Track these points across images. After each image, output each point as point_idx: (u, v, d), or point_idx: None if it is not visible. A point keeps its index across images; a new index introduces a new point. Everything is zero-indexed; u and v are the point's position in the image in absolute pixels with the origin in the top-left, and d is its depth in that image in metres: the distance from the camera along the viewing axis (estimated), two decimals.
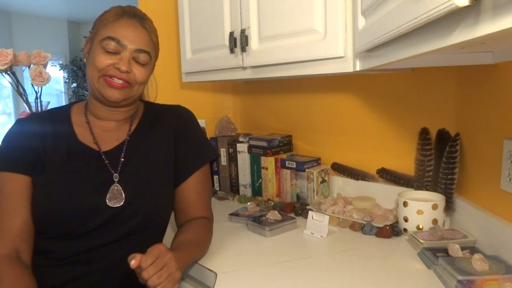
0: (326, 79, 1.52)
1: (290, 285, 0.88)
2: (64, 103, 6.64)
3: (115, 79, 0.94)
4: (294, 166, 1.45)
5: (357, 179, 1.43)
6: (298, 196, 1.45)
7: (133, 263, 0.78)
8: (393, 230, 1.13)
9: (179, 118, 1.10)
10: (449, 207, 1.15)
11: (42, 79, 1.63)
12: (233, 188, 1.67)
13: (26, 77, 1.79)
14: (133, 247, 0.97)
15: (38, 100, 1.69)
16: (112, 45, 0.93)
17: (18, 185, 0.93)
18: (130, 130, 1.04)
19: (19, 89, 1.69)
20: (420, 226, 1.11)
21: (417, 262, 0.97)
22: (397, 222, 1.17)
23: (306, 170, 1.41)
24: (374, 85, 1.38)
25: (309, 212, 1.20)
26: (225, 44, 1.37)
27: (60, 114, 1.03)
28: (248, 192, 1.61)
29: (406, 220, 1.13)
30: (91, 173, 0.96)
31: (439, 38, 0.54)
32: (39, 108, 1.70)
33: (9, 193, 0.93)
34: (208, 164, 1.13)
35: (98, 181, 0.96)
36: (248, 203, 1.41)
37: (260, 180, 1.56)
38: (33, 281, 0.87)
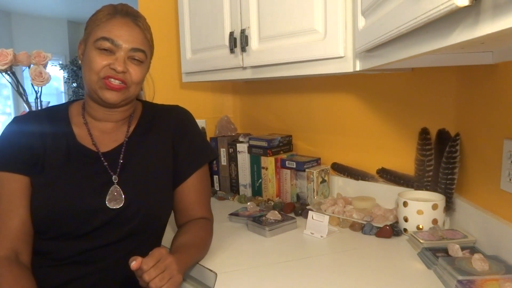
0: (326, 79, 1.52)
1: (290, 285, 0.88)
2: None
3: (112, 79, 0.93)
4: (294, 166, 1.45)
5: (357, 179, 1.43)
6: (298, 196, 1.45)
7: (133, 264, 0.78)
8: (393, 230, 1.13)
9: (177, 118, 1.10)
10: (449, 207, 1.15)
11: (42, 79, 1.63)
12: (233, 188, 1.67)
13: (26, 77, 1.79)
14: (133, 248, 0.97)
15: (38, 100, 1.69)
16: (105, 45, 0.92)
17: (17, 185, 0.93)
18: (129, 131, 1.04)
19: (19, 89, 1.69)
20: (420, 226, 1.11)
21: (417, 262, 0.97)
22: (397, 222, 1.17)
23: (306, 170, 1.41)
24: (374, 85, 1.38)
25: (309, 212, 1.20)
26: (225, 44, 1.37)
27: (59, 113, 1.03)
28: (248, 192, 1.61)
29: (406, 220, 1.13)
30: (91, 175, 0.96)
31: (439, 38, 0.54)
32: (39, 108, 1.70)
33: (8, 194, 0.92)
34: (207, 165, 1.13)
35: (98, 182, 0.95)
36: (248, 203, 1.41)
37: (260, 180, 1.56)
38: (33, 282, 0.87)
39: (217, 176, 1.72)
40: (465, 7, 0.44)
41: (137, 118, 1.07)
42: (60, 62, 6.55)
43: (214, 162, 1.68)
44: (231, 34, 1.33)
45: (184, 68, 1.61)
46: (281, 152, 1.57)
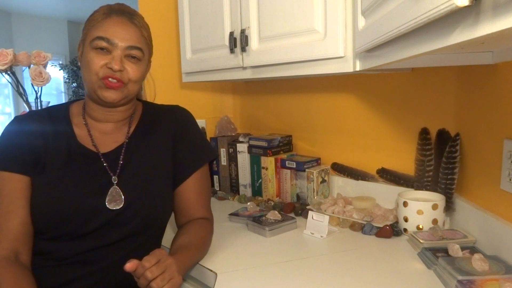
0: (326, 79, 1.52)
1: (290, 285, 0.88)
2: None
3: (110, 79, 0.93)
4: (294, 166, 1.45)
5: (357, 179, 1.43)
6: (298, 196, 1.45)
7: (128, 265, 0.78)
8: (393, 230, 1.13)
9: (177, 119, 1.09)
10: (449, 207, 1.15)
11: (42, 79, 1.63)
12: (233, 188, 1.67)
13: (26, 77, 1.79)
14: (132, 249, 0.97)
15: (38, 100, 1.70)
16: (102, 44, 0.92)
17: (17, 185, 0.92)
18: (129, 132, 1.04)
19: (19, 89, 1.69)
20: (420, 226, 1.11)
21: (417, 262, 0.97)
22: (397, 222, 1.17)
23: (306, 170, 1.41)
24: (374, 85, 1.38)
25: (309, 212, 1.20)
26: (225, 44, 1.37)
27: (60, 113, 1.02)
28: (248, 192, 1.61)
29: (406, 220, 1.13)
30: (91, 176, 0.96)
31: (439, 38, 0.54)
32: (39, 108, 1.70)
33: (8, 194, 0.92)
34: (207, 165, 1.13)
35: (98, 183, 0.95)
36: (248, 203, 1.41)
37: (260, 180, 1.56)
38: (33, 283, 0.87)
39: (217, 176, 1.72)
40: (465, 7, 0.44)
41: (138, 119, 1.07)
42: (60, 62, 6.55)
43: (214, 162, 1.68)
44: (231, 34, 1.33)
45: (184, 68, 1.61)
46: (281, 152, 1.58)
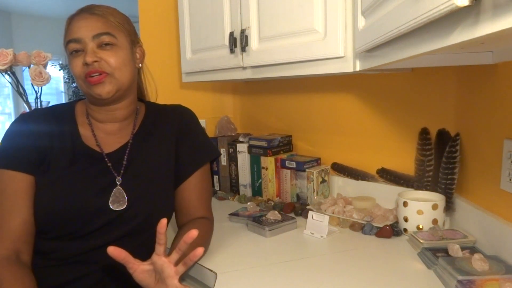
0: (326, 79, 1.52)
1: (290, 285, 0.88)
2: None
3: (92, 75, 0.92)
4: (294, 166, 1.45)
5: (357, 179, 1.43)
6: (298, 196, 1.45)
7: (111, 248, 0.77)
8: (393, 230, 1.13)
9: (180, 118, 1.10)
10: (449, 207, 1.15)
11: (42, 79, 1.63)
12: (233, 188, 1.67)
13: (26, 77, 1.79)
14: (134, 248, 0.97)
15: (38, 100, 1.70)
16: (73, 46, 0.92)
17: (21, 184, 0.92)
18: (133, 132, 1.04)
19: (19, 89, 1.69)
20: (420, 226, 1.11)
21: (417, 262, 0.97)
22: (397, 222, 1.17)
23: (306, 170, 1.41)
24: (374, 85, 1.38)
25: (309, 212, 1.20)
26: (225, 44, 1.37)
27: (65, 113, 1.03)
28: (248, 192, 1.61)
29: (406, 220, 1.13)
30: (95, 175, 0.96)
31: (439, 38, 0.54)
32: (39, 108, 1.70)
33: (12, 193, 0.92)
34: (209, 164, 1.13)
35: (101, 183, 0.95)
36: (248, 203, 1.41)
37: (260, 180, 1.56)
38: (33, 282, 0.87)
39: (217, 176, 1.72)
40: (465, 7, 0.44)
41: (141, 119, 1.07)
42: (60, 62, 6.55)
43: (214, 162, 1.68)
44: (231, 34, 1.33)
45: (184, 68, 1.61)
46: (281, 152, 1.58)
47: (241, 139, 1.66)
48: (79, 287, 0.94)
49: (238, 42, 1.31)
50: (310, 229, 1.18)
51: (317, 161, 1.48)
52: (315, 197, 1.40)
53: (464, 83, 1.14)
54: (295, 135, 1.66)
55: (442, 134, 1.19)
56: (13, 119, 5.91)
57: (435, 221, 1.10)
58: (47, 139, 0.96)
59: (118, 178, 0.97)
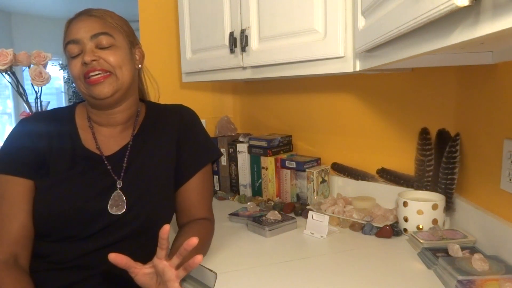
0: (326, 79, 1.52)
1: (290, 285, 0.88)
2: (64, 103, 6.65)
3: (91, 74, 0.91)
4: (294, 166, 1.45)
5: (357, 179, 1.43)
6: (298, 196, 1.45)
7: (113, 255, 0.77)
8: (393, 230, 1.13)
9: (181, 118, 1.09)
10: (449, 207, 1.15)
11: (42, 79, 1.63)
12: (233, 188, 1.67)
13: (26, 77, 1.79)
14: (133, 250, 0.96)
15: (38, 100, 1.70)
16: (72, 49, 0.93)
17: (19, 189, 0.92)
18: (133, 134, 1.03)
19: (19, 89, 1.69)
20: (420, 226, 1.11)
21: (417, 262, 0.97)
22: (397, 222, 1.17)
23: (306, 170, 1.41)
24: (374, 85, 1.38)
25: (309, 212, 1.20)
26: (225, 44, 1.37)
27: (65, 115, 1.02)
28: (248, 192, 1.61)
29: (406, 220, 1.13)
30: (94, 179, 0.95)
31: (439, 38, 0.54)
32: (39, 108, 1.70)
33: (10, 197, 0.91)
34: (210, 164, 1.12)
35: (101, 186, 0.95)
36: (248, 203, 1.41)
37: (260, 180, 1.56)
38: (32, 286, 0.86)
39: (217, 176, 1.72)
40: (465, 7, 0.44)
41: (141, 120, 1.06)
42: (60, 62, 6.55)
43: (215, 162, 1.68)
44: (231, 34, 1.33)
45: (184, 68, 1.61)
46: (281, 152, 1.58)
47: (241, 139, 1.66)
48: None
49: (238, 42, 1.31)
50: (310, 229, 1.18)
51: (317, 161, 1.48)
52: (315, 197, 1.40)
53: (464, 83, 1.14)
54: (295, 135, 1.66)
55: (442, 134, 1.19)
56: (13, 119, 5.92)
57: (435, 221, 1.10)
58: (46, 141, 0.96)
59: (119, 181, 0.96)
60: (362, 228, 1.18)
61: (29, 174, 0.93)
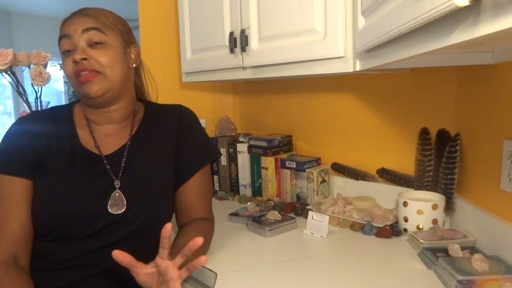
0: (326, 79, 1.52)
1: (290, 285, 0.88)
2: (64, 103, 6.64)
3: (81, 73, 0.92)
4: (294, 166, 1.45)
5: (357, 179, 1.43)
6: (298, 196, 1.45)
7: (117, 252, 0.77)
8: (393, 230, 1.13)
9: (180, 119, 1.09)
10: (449, 207, 1.15)
11: (42, 79, 1.63)
12: (233, 188, 1.67)
13: (26, 77, 1.79)
14: (133, 249, 0.96)
15: (38, 100, 1.70)
16: (64, 42, 0.93)
17: (18, 189, 0.92)
18: (131, 134, 1.03)
19: (19, 89, 1.69)
20: (420, 226, 1.11)
21: (417, 262, 0.97)
22: (397, 222, 1.17)
23: (306, 170, 1.41)
24: (374, 85, 1.38)
25: (309, 212, 1.20)
26: (225, 44, 1.37)
27: (63, 114, 1.02)
28: (248, 192, 1.61)
29: (406, 220, 1.13)
30: (93, 178, 0.95)
31: (439, 38, 0.54)
32: (39, 108, 1.70)
33: (8, 197, 0.91)
34: (209, 164, 1.12)
35: (100, 186, 0.95)
36: (248, 203, 1.41)
37: (260, 180, 1.56)
38: (31, 286, 0.86)
39: (217, 176, 1.72)
40: (465, 7, 0.44)
41: (140, 120, 1.06)
42: (60, 62, 6.54)
43: (214, 162, 1.68)
44: (231, 34, 1.33)
45: (184, 68, 1.61)
46: (281, 152, 1.58)
47: (241, 139, 1.66)
48: None
49: (238, 42, 1.31)
50: (310, 229, 1.18)
51: (317, 161, 1.48)
52: (315, 197, 1.40)
53: (464, 83, 1.14)
54: (295, 135, 1.66)
55: (442, 134, 1.19)
56: (13, 119, 5.92)
57: (435, 221, 1.10)
58: (44, 141, 0.96)
59: (117, 181, 0.96)
60: (362, 228, 1.18)
61: (28, 173, 0.93)
